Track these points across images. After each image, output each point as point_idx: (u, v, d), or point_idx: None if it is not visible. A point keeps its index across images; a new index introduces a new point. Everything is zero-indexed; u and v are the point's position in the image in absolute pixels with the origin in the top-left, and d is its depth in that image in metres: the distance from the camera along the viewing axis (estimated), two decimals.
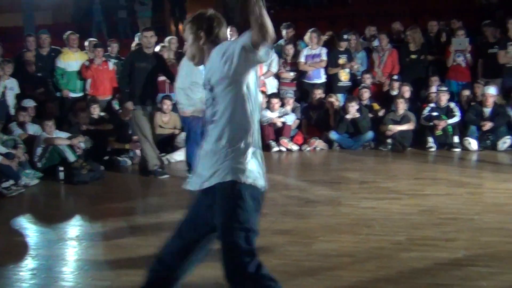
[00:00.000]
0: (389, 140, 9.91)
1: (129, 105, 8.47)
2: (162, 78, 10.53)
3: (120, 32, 16.81)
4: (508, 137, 9.47)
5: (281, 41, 11.54)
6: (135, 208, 6.89)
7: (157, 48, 10.60)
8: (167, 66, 9.02)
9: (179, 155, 9.40)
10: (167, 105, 10.04)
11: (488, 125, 9.57)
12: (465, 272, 4.20)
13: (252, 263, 2.98)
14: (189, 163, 7.55)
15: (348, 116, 9.97)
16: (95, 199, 7.39)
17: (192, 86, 7.39)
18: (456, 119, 9.80)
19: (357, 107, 10.03)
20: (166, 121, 10.11)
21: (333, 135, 10.13)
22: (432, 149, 9.70)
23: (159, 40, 12.19)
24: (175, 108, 10.28)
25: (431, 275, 4.18)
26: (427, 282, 4.06)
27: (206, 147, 3.12)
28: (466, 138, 9.61)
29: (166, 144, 9.84)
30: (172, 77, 8.46)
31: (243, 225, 3.00)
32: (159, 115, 10.02)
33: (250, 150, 3.08)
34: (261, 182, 3.09)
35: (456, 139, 9.69)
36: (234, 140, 3.05)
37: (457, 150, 9.58)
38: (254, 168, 3.07)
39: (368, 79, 10.79)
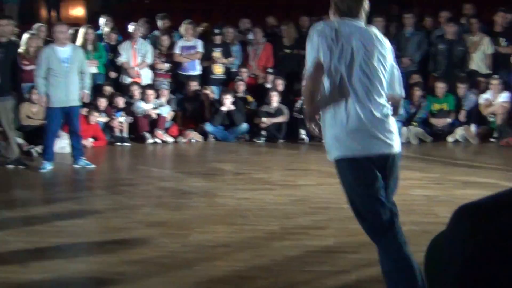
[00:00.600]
0: (263, 132, 10.09)
1: None
2: (30, 67, 10.12)
3: None
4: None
5: (156, 32, 11.42)
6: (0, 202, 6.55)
7: (25, 36, 10.20)
8: (16, 57, 8.62)
9: None
10: (36, 95, 9.64)
11: None
12: (334, 259, 4.35)
13: None
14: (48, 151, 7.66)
15: (223, 108, 10.05)
16: None
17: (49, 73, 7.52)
18: None
19: (232, 99, 10.13)
20: (35, 111, 9.72)
21: (208, 127, 10.17)
22: (304, 141, 9.98)
23: (28, 28, 11.70)
24: None
25: (302, 262, 4.29)
26: (298, 269, 4.16)
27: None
28: None
29: (35, 135, 9.45)
30: (15, 70, 8.18)
31: None
32: (27, 105, 9.63)
33: None
34: None
35: None
36: None
37: None
38: None
39: (245, 73, 10.91)
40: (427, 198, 6.10)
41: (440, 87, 10.14)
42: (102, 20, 11.66)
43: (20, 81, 8.60)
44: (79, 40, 10.73)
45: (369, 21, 11.25)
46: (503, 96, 9.96)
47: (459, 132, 9.89)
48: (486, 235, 0.68)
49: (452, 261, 0.72)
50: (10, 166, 8.04)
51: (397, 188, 3.48)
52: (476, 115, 10.11)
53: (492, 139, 9.87)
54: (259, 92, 10.94)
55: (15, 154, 8.11)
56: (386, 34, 10.77)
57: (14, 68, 8.18)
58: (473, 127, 9.96)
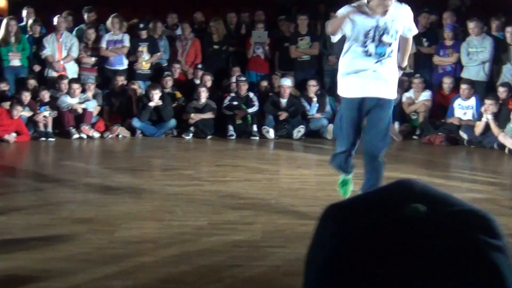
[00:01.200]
0: (191, 128, 10.07)
1: None
2: None
3: None
4: (302, 126, 10.05)
5: (82, 26, 11.21)
6: None
7: None
8: None
9: None
10: None
11: (284, 115, 10.09)
12: (261, 253, 4.40)
13: None
14: None
15: (151, 104, 9.96)
16: None
17: None
18: (255, 108, 10.22)
19: (160, 94, 10.05)
20: None
21: (135, 122, 10.07)
22: (232, 137, 10.03)
23: None
24: None
25: (230, 257, 4.32)
26: (226, 264, 4.20)
27: None
28: (264, 127, 10.05)
29: None
30: None
31: None
32: None
33: None
34: None
35: (255, 127, 10.11)
36: None
37: (256, 138, 9.99)
38: None
39: (177, 69, 10.86)
40: (353, 194, 6.23)
41: None
42: (24, 12, 11.36)
43: None
44: (1, 32, 10.43)
45: (294, 19, 11.45)
46: (425, 95, 10.29)
47: None
48: (347, 234, 0.71)
49: (315, 261, 0.75)
50: None
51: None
52: (399, 113, 10.39)
53: (414, 137, 10.17)
54: (187, 87, 10.91)
55: None
56: (313, 32, 11.04)
57: None
58: (396, 125, 10.24)
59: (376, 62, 4.67)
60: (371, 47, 4.63)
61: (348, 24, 4.56)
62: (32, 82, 10.33)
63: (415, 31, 4.90)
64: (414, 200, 0.72)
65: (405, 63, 5.11)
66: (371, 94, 4.73)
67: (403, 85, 10.59)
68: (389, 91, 4.79)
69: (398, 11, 4.65)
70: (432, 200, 0.72)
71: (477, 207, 0.73)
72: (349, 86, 4.80)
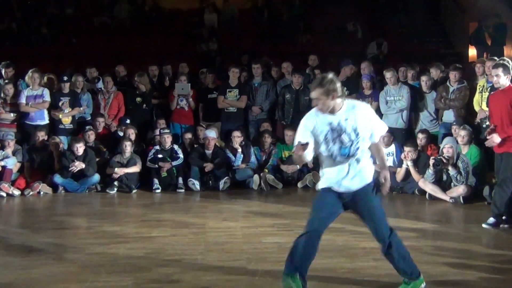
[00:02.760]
0: (115, 183, 9.92)
1: None
2: None
3: None
4: (228, 177, 10.07)
5: (0, 80, 10.97)
6: None
7: None
8: None
9: None
10: None
11: (209, 166, 10.09)
12: None
13: None
14: None
15: (75, 168, 9.74)
16: None
17: None
18: (179, 161, 10.18)
19: (83, 147, 9.89)
20: None
21: (57, 178, 9.84)
22: (158, 191, 9.94)
23: None
24: None
25: None
26: None
27: None
28: (190, 179, 10.01)
29: None
30: None
31: None
32: None
33: None
34: None
35: (180, 180, 10.05)
36: None
37: (182, 191, 9.93)
38: None
39: (102, 122, 10.74)
40: (278, 246, 6.25)
41: (289, 134, 10.52)
42: None
43: None
44: None
45: (217, 71, 11.57)
46: None
47: (308, 178, 10.27)
48: None
49: None
50: None
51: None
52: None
53: None
54: (110, 141, 10.78)
55: None
56: (242, 85, 11.18)
57: None
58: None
59: (345, 163, 4.67)
60: (335, 150, 4.65)
61: (309, 141, 4.65)
62: None
63: (379, 132, 4.78)
64: None
65: (386, 166, 4.92)
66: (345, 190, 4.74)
67: None
68: (362, 181, 4.73)
69: (352, 110, 4.64)
70: None
71: None
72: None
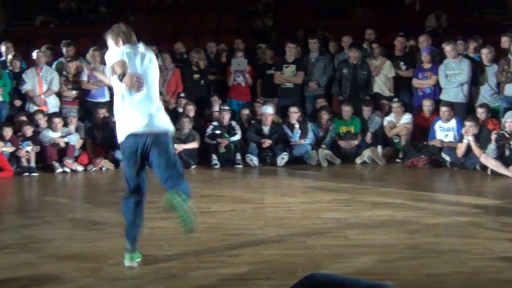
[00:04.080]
0: None
1: None
2: None
3: None
4: (285, 153, 10.08)
5: (62, 59, 11.22)
6: None
7: None
8: None
9: None
10: None
11: (267, 143, 10.13)
12: (248, 286, 4.39)
13: None
14: None
15: None
16: None
17: None
18: (237, 137, 10.25)
19: None
20: None
21: (118, 154, 10.02)
22: (216, 166, 10.04)
23: None
24: None
25: None
26: None
27: None
28: (248, 155, 10.08)
29: None
30: None
31: None
32: None
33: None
34: None
35: (238, 156, 10.13)
36: None
37: (240, 166, 10.01)
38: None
39: (160, 100, 10.85)
40: (337, 221, 6.25)
41: (346, 110, 10.47)
42: (3, 47, 11.36)
43: None
44: None
45: (274, 46, 11.61)
46: (405, 118, 10.39)
47: (366, 154, 10.21)
48: None
49: None
50: None
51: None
52: (381, 137, 10.49)
53: (397, 160, 10.24)
54: (170, 117, 10.89)
55: None
56: (299, 61, 11.13)
57: None
58: (379, 148, 10.32)
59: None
60: None
61: None
62: (22, 118, 10.28)
63: None
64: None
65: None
66: None
67: (384, 109, 10.70)
68: None
69: None
70: (335, 285, 0.75)
71: (375, 282, 0.76)
72: None
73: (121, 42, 4.79)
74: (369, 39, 11.93)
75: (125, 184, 5.04)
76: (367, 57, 11.21)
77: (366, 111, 10.62)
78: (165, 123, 5.03)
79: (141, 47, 4.88)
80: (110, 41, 4.84)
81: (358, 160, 10.24)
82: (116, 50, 4.71)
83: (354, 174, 9.55)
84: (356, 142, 10.39)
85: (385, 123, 10.49)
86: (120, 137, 4.86)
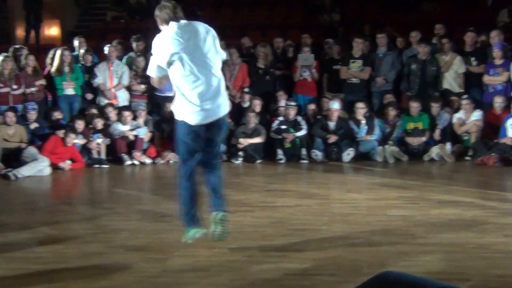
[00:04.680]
0: (240, 153, 10.14)
1: None
2: (5, 90, 10.14)
3: None
4: (351, 149, 10.01)
5: (132, 53, 11.46)
6: None
7: (0, 58, 10.28)
8: None
9: (26, 170, 9.03)
10: (10, 117, 9.65)
11: (333, 138, 10.07)
12: (312, 282, 4.40)
13: None
14: None
15: None
16: None
17: None
18: (303, 132, 10.23)
19: None
20: (12, 134, 9.70)
21: None
22: (282, 161, 10.06)
23: (2, 48, 11.73)
24: (20, 120, 9.94)
25: (281, 286, 4.34)
26: None
27: None
28: (313, 150, 10.05)
29: (12, 158, 9.43)
30: None
31: None
32: (3, 128, 9.63)
33: None
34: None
35: (304, 151, 10.12)
36: None
37: (305, 162, 10.00)
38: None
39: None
40: (403, 219, 6.18)
41: (414, 106, 10.30)
42: (76, 42, 11.68)
43: None
44: (55, 62, 10.76)
45: (341, 41, 11.49)
46: (475, 115, 10.14)
47: (434, 151, 10.03)
48: None
49: None
50: None
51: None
52: (450, 134, 10.27)
53: (467, 158, 10.00)
54: (236, 112, 10.99)
55: None
56: (366, 56, 11.03)
57: None
58: (448, 146, 10.11)
59: None
60: None
61: None
62: (93, 111, 10.60)
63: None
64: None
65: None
66: None
67: (453, 106, 10.48)
68: None
69: None
70: (408, 285, 0.75)
71: (450, 284, 0.75)
72: None
73: (169, 20, 4.84)
74: (438, 34, 11.68)
75: (180, 157, 5.24)
76: (436, 53, 10.99)
77: (435, 107, 10.42)
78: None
79: (190, 23, 4.91)
80: (160, 21, 4.92)
81: (426, 157, 10.07)
82: (166, 39, 4.76)
83: (422, 171, 9.39)
84: (424, 139, 10.21)
85: (454, 120, 10.27)
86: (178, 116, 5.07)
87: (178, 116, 4.90)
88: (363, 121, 10.23)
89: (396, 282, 0.68)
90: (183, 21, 4.86)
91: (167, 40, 4.73)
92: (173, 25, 4.81)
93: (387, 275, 0.71)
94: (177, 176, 5.06)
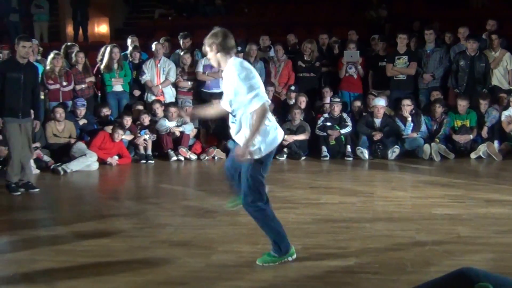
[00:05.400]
0: (285, 150, 10.16)
1: None
2: (55, 86, 10.37)
3: (11, 36, 16.27)
4: (397, 146, 9.92)
5: (178, 51, 11.58)
6: (24, 221, 6.57)
7: (51, 55, 10.51)
8: (38, 78, 8.37)
9: (75, 165, 9.23)
10: (59, 113, 9.87)
11: (378, 135, 10.00)
12: (355, 279, 4.39)
13: None
14: None
15: None
16: None
17: None
18: (348, 129, 10.18)
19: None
20: (61, 129, 9.92)
21: (231, 144, 10.23)
22: (326, 158, 10.03)
23: (54, 46, 12.00)
24: (70, 116, 10.14)
25: (324, 283, 4.34)
26: None
27: None
28: (358, 147, 10.00)
29: (62, 153, 9.65)
30: (35, 91, 7.89)
31: None
32: (53, 124, 9.84)
33: None
34: None
35: (348, 148, 10.07)
36: None
37: (350, 159, 9.95)
38: None
39: (271, 92, 10.98)
40: (449, 217, 6.10)
41: (462, 104, 10.13)
42: (129, 40, 11.84)
43: (38, 102, 8.13)
44: (105, 59, 10.96)
45: (388, 38, 11.38)
46: None
47: (482, 149, 9.86)
48: None
49: None
50: (17, 193, 7.71)
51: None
52: (498, 132, 10.08)
53: None
54: (280, 109, 11.01)
55: (13, 178, 7.77)
56: (411, 52, 10.89)
57: (35, 89, 7.92)
58: (495, 144, 9.93)
59: (232, 123, 4.69)
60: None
61: None
62: (139, 107, 10.77)
63: (242, 93, 4.41)
64: (480, 281, 0.76)
65: (249, 143, 4.46)
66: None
67: (502, 103, 10.29)
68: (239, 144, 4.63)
69: (226, 71, 4.60)
70: (497, 282, 0.75)
71: None
72: None
73: (231, 52, 4.60)
74: (491, 30, 11.45)
75: (257, 193, 4.66)
76: (485, 49, 10.79)
77: (483, 104, 10.24)
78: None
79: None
80: (217, 48, 4.55)
81: (473, 155, 9.90)
82: (249, 70, 4.48)
83: (469, 169, 9.25)
84: (471, 137, 10.05)
85: (503, 117, 10.06)
86: (266, 149, 4.64)
87: (257, 153, 4.58)
88: (409, 118, 10.12)
89: (487, 277, 0.69)
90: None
91: (254, 72, 4.55)
92: (241, 60, 4.63)
93: (468, 271, 0.71)
94: (256, 211, 4.71)
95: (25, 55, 7.79)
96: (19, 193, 7.72)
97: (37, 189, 7.88)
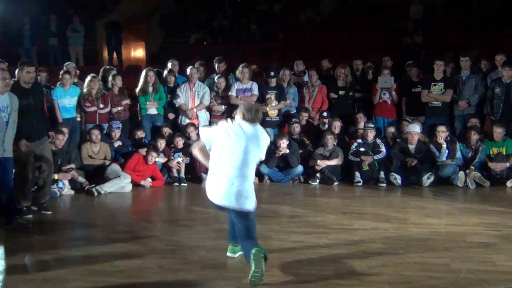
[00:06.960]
0: (318, 175, 10.12)
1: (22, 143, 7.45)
2: (92, 109, 10.54)
3: (50, 60, 16.64)
4: (431, 173, 9.81)
5: (213, 75, 11.69)
6: (57, 241, 6.61)
7: (88, 78, 10.71)
8: (43, 95, 8.49)
9: (109, 187, 9.32)
10: (95, 135, 10.01)
11: (412, 161, 9.91)
12: None
13: None
14: None
15: (279, 152, 10.08)
16: (13, 231, 6.93)
17: None
18: (382, 155, 10.12)
19: (287, 142, 10.19)
20: (96, 151, 10.05)
21: (263, 168, 10.26)
22: (359, 184, 9.97)
23: (91, 69, 12.22)
24: (105, 138, 10.28)
25: None
26: None
27: None
28: (392, 173, 9.92)
29: (96, 175, 9.76)
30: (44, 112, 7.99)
31: None
32: (89, 145, 9.98)
33: None
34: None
35: (382, 174, 10.00)
36: None
37: (383, 185, 9.87)
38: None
39: (305, 117, 11.02)
40: (484, 245, 6.01)
41: (498, 131, 10.00)
42: (169, 64, 11.94)
43: (47, 121, 8.19)
44: (140, 82, 11.12)
45: (422, 64, 11.23)
46: None
47: None
48: None
49: None
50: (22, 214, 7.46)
51: None
52: None
53: None
54: (314, 134, 11.01)
55: (24, 202, 7.66)
56: (448, 79, 10.80)
57: (42, 106, 7.90)
58: None
59: None
60: None
61: None
62: (166, 130, 10.87)
63: None
64: None
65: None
66: None
67: None
68: None
69: None
70: None
71: None
72: None
73: (243, 117, 5.34)
74: None
75: (253, 232, 5.19)
76: None
77: None
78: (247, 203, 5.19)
79: (258, 127, 5.43)
80: (238, 112, 5.41)
81: (509, 183, 9.74)
82: (220, 126, 5.40)
83: (505, 197, 9.09)
84: (507, 165, 9.88)
85: None
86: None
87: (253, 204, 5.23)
88: (444, 145, 10.01)
89: None
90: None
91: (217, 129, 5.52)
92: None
93: None
94: (248, 245, 5.03)
95: (30, 80, 7.62)
96: (30, 216, 7.57)
97: (50, 212, 7.89)
